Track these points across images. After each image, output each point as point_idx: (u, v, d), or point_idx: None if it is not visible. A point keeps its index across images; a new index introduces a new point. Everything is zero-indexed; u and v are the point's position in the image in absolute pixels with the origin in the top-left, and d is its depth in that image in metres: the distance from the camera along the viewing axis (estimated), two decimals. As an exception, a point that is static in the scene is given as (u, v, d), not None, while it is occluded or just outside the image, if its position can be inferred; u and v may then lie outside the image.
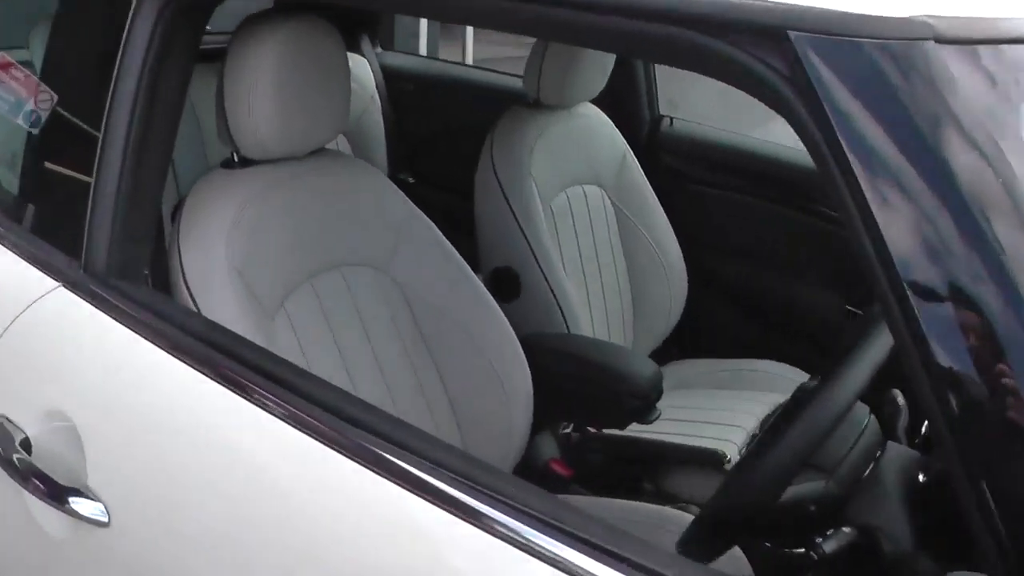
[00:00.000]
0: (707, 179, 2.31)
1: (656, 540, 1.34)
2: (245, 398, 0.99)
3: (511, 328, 1.55)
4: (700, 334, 2.25)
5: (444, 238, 1.52)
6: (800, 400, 1.03)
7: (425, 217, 1.52)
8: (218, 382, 1.01)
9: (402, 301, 1.48)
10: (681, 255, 2.15)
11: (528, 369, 1.54)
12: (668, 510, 1.54)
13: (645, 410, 1.66)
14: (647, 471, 1.78)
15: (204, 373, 1.03)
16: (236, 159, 1.35)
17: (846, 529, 0.98)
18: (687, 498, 1.76)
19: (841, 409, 1.00)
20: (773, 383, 2.07)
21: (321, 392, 0.98)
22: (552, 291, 1.83)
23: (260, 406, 0.98)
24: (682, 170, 2.33)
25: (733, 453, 1.78)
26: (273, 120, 1.29)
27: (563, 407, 1.75)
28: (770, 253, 2.23)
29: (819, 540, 0.99)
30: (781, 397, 2.01)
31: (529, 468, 1.67)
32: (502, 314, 1.55)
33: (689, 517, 1.50)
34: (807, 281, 2.18)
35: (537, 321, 1.83)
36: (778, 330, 2.24)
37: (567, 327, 1.83)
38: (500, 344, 1.53)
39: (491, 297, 1.55)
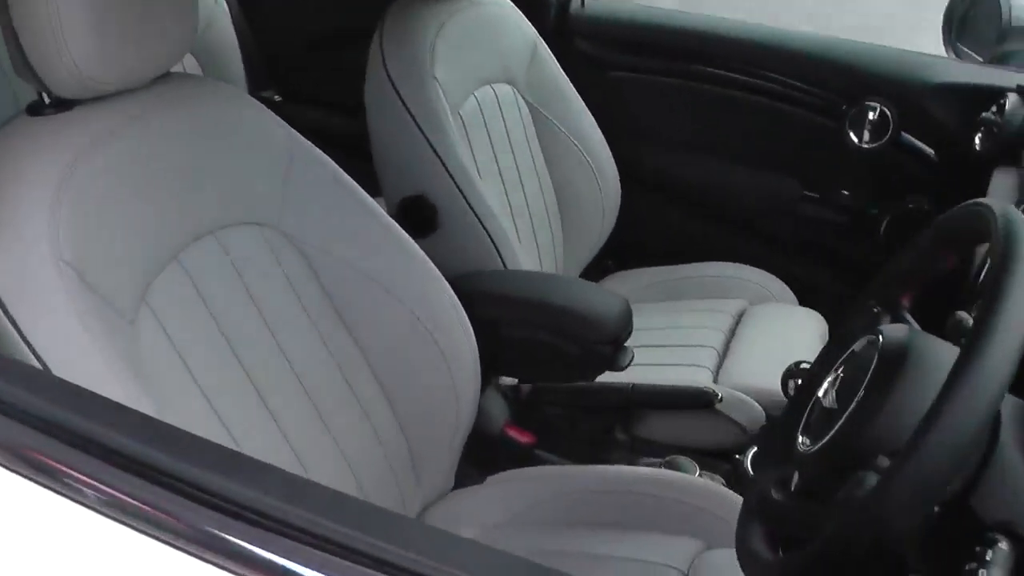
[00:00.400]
0: (629, 64, 2.00)
1: (705, 524, 1.14)
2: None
3: (438, 272, 1.24)
4: (639, 241, 1.98)
5: (341, 171, 1.19)
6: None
7: (314, 147, 1.18)
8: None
9: (300, 261, 1.15)
10: (610, 153, 1.86)
11: (468, 321, 1.25)
12: (694, 480, 1.30)
13: (616, 356, 1.39)
14: (619, 420, 1.52)
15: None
16: (47, 100, 0.96)
17: (1002, 544, 0.71)
18: (671, 443, 1.52)
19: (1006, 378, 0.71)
20: (730, 287, 1.85)
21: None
22: (479, 219, 1.50)
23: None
24: (600, 56, 2.01)
25: (707, 379, 1.55)
26: (90, 39, 0.90)
27: (512, 363, 1.45)
28: (710, 141, 1.96)
29: (972, 567, 0.72)
30: (742, 303, 1.79)
31: (481, 440, 1.39)
32: (426, 257, 1.24)
33: (718, 485, 1.27)
34: (756, 168, 1.93)
35: (464, 258, 1.51)
36: (727, 227, 1.99)
37: (502, 262, 1.51)
38: (429, 295, 1.23)
39: (409, 238, 1.23)
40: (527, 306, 1.41)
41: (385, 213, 1.22)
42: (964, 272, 1.16)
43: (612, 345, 1.37)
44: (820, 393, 0.92)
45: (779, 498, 0.96)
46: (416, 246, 1.24)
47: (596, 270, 1.96)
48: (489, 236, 1.51)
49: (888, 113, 1.75)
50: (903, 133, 1.77)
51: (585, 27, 2.00)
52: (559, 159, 1.83)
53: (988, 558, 0.69)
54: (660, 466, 1.41)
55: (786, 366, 1.52)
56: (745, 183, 1.95)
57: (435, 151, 1.48)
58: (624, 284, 1.92)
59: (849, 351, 0.95)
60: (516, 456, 1.45)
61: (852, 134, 1.80)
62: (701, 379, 1.56)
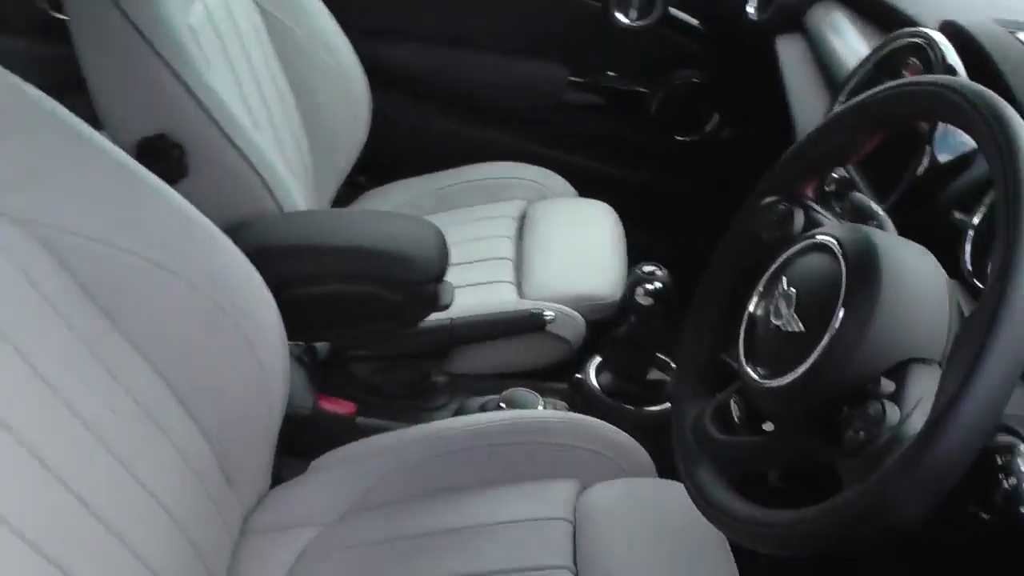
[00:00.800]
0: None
1: (573, 461, 1.06)
2: None
3: (221, 233, 0.97)
4: (394, 151, 1.75)
5: (87, 126, 0.86)
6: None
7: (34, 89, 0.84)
8: None
9: (55, 265, 0.82)
10: (355, 57, 1.60)
11: (267, 290, 1.00)
12: (552, 418, 1.15)
13: (440, 293, 1.18)
14: (434, 359, 1.33)
15: None
16: None
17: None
18: (493, 372, 1.37)
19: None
20: (504, 189, 1.71)
21: None
22: (242, 154, 1.20)
23: None
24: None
25: (512, 295, 1.40)
26: None
27: (314, 325, 1.20)
28: (464, 32, 1.76)
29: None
30: (521, 203, 1.66)
31: (290, 423, 1.15)
32: (205, 219, 0.96)
33: (578, 417, 1.14)
34: (518, 58, 1.76)
35: (230, 206, 1.21)
36: (492, 124, 1.82)
37: (278, 204, 1.23)
38: (222, 271, 0.98)
39: (183, 201, 0.95)
40: (329, 256, 1.16)
41: (155, 177, 0.91)
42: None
43: (435, 283, 1.17)
44: (767, 314, 0.79)
45: (724, 437, 0.84)
46: (191, 207, 0.95)
47: (348, 190, 1.72)
48: (257, 174, 1.22)
49: (656, -12, 1.66)
50: (671, 8, 1.68)
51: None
52: (299, 68, 1.55)
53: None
54: (497, 404, 1.26)
55: (590, 265, 1.44)
56: (507, 74, 1.79)
57: (176, 75, 1.15)
58: (385, 201, 1.71)
59: (782, 260, 0.82)
60: (336, 432, 1.22)
61: (618, 13, 1.69)
62: (507, 296, 1.42)
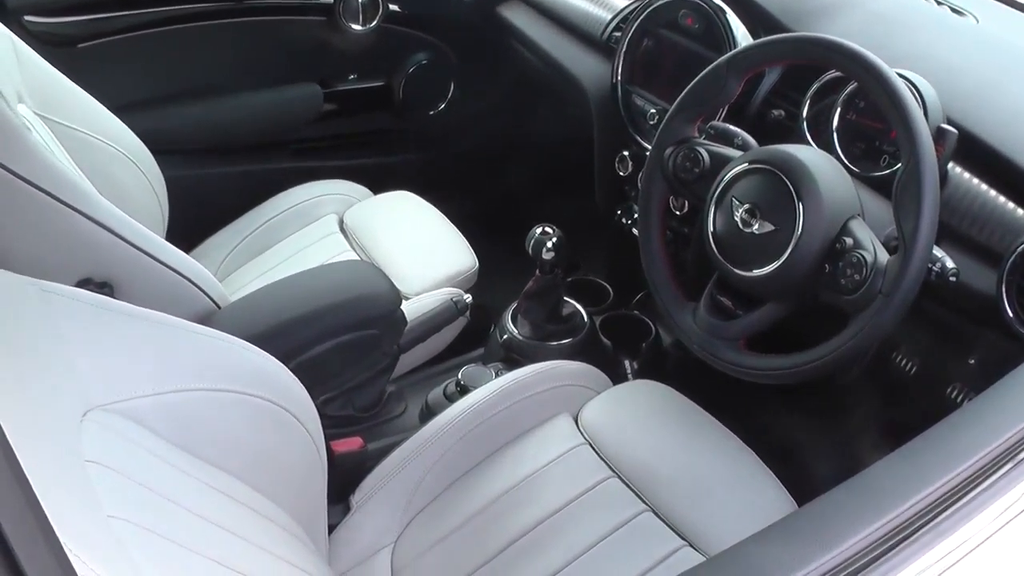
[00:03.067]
0: (88, 31, 1.66)
1: (554, 400, 1.28)
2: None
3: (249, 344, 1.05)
4: (197, 211, 1.75)
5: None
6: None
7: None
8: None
9: (142, 429, 0.89)
10: (133, 135, 1.59)
11: (295, 379, 1.09)
12: (515, 379, 1.31)
13: (402, 318, 1.34)
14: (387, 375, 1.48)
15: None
16: None
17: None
18: (429, 362, 1.57)
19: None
20: (315, 208, 1.79)
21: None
22: (167, 265, 1.22)
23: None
24: (53, 32, 1.62)
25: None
26: None
27: (321, 384, 1.29)
28: (216, 80, 1.79)
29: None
30: (333, 216, 1.79)
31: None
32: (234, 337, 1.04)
33: (526, 368, 1.34)
34: (273, 87, 1.84)
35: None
36: (273, 154, 1.88)
37: (212, 300, 1.27)
38: (251, 366, 1.04)
39: (205, 328, 1.02)
40: (311, 321, 1.25)
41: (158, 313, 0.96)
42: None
43: (399, 307, 1.32)
44: (735, 226, 1.10)
45: (726, 321, 1.16)
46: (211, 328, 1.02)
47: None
48: (184, 277, 1.25)
49: (374, -9, 1.83)
50: (391, 6, 1.87)
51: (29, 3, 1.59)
52: (94, 162, 1.51)
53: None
54: (457, 384, 1.45)
55: (438, 245, 1.64)
56: (270, 104, 1.86)
57: (79, 212, 1.13)
58: (211, 257, 1.73)
59: (722, 186, 1.14)
60: (355, 467, 1.33)
61: (348, 23, 1.84)
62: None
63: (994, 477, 0.67)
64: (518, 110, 1.95)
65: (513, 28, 1.77)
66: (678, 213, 1.41)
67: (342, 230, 1.74)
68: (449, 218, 1.70)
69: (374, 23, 1.85)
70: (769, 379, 1.11)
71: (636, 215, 1.58)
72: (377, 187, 1.84)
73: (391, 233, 1.69)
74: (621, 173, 1.57)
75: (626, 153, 1.56)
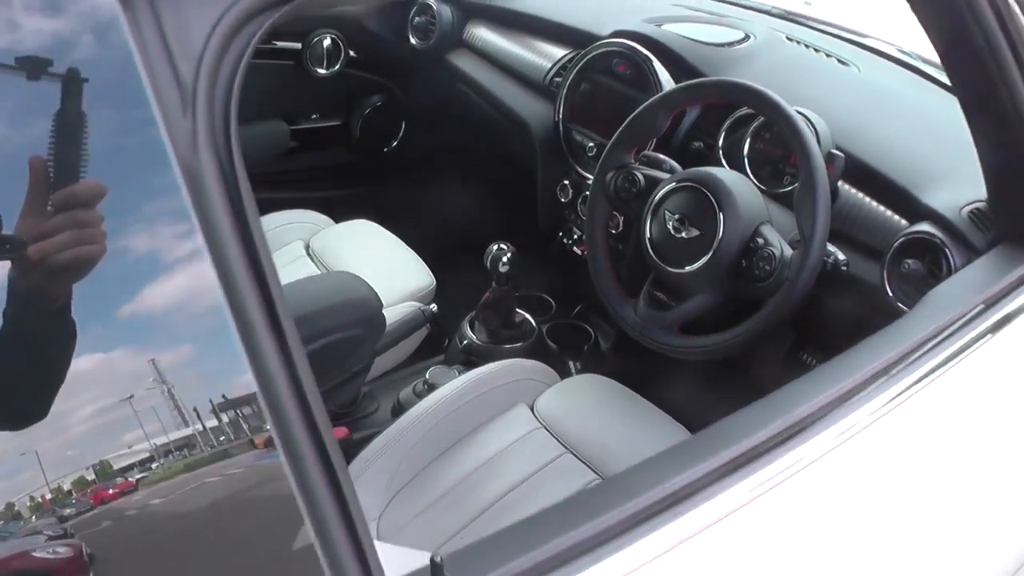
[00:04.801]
0: None
1: (510, 394, 1.48)
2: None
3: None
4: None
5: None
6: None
7: None
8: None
9: None
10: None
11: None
12: (477, 376, 1.49)
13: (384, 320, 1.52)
14: (363, 376, 1.65)
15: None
16: None
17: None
18: (397, 368, 1.73)
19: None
20: (282, 235, 1.95)
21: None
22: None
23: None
24: None
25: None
26: None
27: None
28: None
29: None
30: (299, 243, 1.95)
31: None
32: None
33: (487, 367, 1.52)
34: (243, 124, 2.00)
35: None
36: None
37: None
38: None
39: None
40: (302, 323, 1.41)
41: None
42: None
43: (381, 311, 1.51)
44: (668, 233, 1.33)
45: (662, 312, 1.38)
46: None
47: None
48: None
49: (339, 39, 2.03)
50: (351, 52, 2.07)
51: None
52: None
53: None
54: (424, 383, 1.63)
55: (401, 265, 1.82)
56: (241, 139, 2.02)
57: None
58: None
59: (656, 201, 1.36)
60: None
61: (314, 67, 2.04)
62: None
63: (826, 417, 0.85)
64: (466, 146, 2.16)
65: (462, 73, 1.99)
66: (614, 232, 1.64)
67: (308, 254, 1.91)
68: (406, 243, 1.89)
69: (336, 67, 2.05)
70: (700, 355, 1.33)
71: (575, 236, 1.81)
72: (338, 216, 2.02)
73: (355, 256, 1.86)
74: (562, 199, 1.80)
75: (567, 182, 1.78)
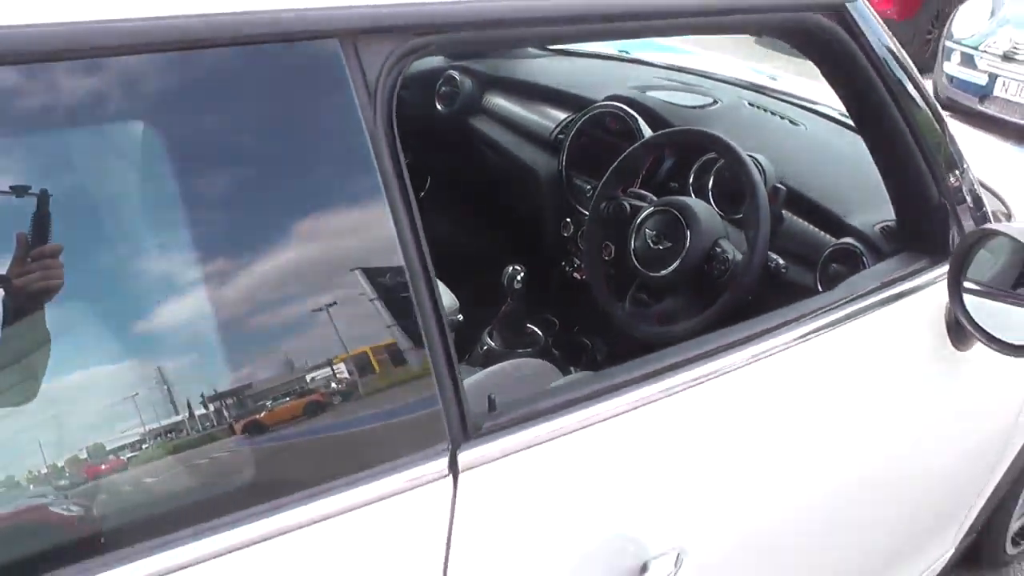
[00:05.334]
0: None
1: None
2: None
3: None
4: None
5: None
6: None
7: None
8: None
9: None
10: None
11: None
12: (514, 362, 1.84)
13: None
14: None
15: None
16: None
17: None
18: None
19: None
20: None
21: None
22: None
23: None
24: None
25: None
26: None
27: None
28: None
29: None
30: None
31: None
32: None
33: (525, 360, 1.87)
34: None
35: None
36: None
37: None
38: None
39: None
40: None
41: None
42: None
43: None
44: (647, 246, 1.70)
45: (645, 308, 1.74)
46: None
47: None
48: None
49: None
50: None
51: None
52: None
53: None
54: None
55: None
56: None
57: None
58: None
59: (639, 222, 1.74)
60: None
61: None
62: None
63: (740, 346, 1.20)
64: (483, 194, 2.54)
65: (481, 134, 2.39)
66: (607, 258, 2.01)
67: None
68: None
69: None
70: (672, 340, 1.68)
71: (575, 264, 2.18)
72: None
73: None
74: (565, 234, 2.17)
75: (568, 219, 2.16)
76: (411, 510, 0.89)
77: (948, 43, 6.13)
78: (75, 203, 0.79)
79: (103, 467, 0.77)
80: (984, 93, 5.84)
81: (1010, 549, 2.31)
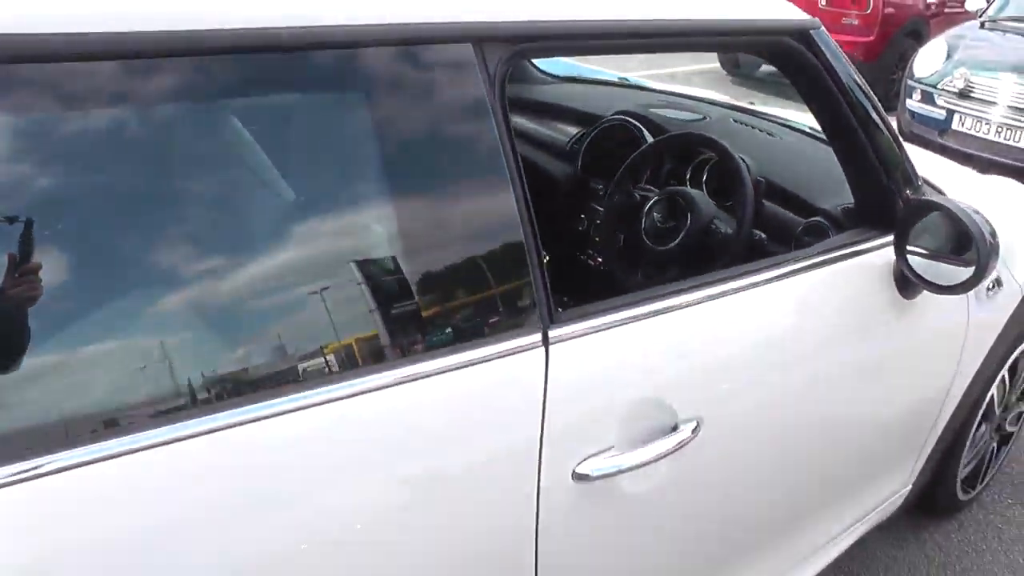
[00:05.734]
0: None
1: None
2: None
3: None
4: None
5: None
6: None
7: None
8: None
9: None
10: None
11: None
12: None
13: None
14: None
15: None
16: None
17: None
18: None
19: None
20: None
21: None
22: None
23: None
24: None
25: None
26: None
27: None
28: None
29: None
30: None
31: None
32: None
33: None
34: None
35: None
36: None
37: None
38: None
39: None
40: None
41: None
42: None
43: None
44: (654, 225, 2.12)
45: (650, 279, 2.15)
46: None
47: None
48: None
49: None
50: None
51: None
52: None
53: None
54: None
55: None
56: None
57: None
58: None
59: (648, 208, 2.15)
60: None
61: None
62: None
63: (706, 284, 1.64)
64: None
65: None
66: (620, 243, 2.41)
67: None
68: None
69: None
70: None
71: (590, 253, 2.59)
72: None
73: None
74: (580, 229, 2.58)
75: (583, 216, 2.57)
76: (520, 368, 1.28)
77: (910, 82, 6.66)
78: (290, 165, 1.19)
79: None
80: (943, 127, 6.35)
81: (961, 495, 2.71)
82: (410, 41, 1.21)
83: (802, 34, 1.73)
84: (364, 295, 1.20)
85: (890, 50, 7.94)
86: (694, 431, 1.45)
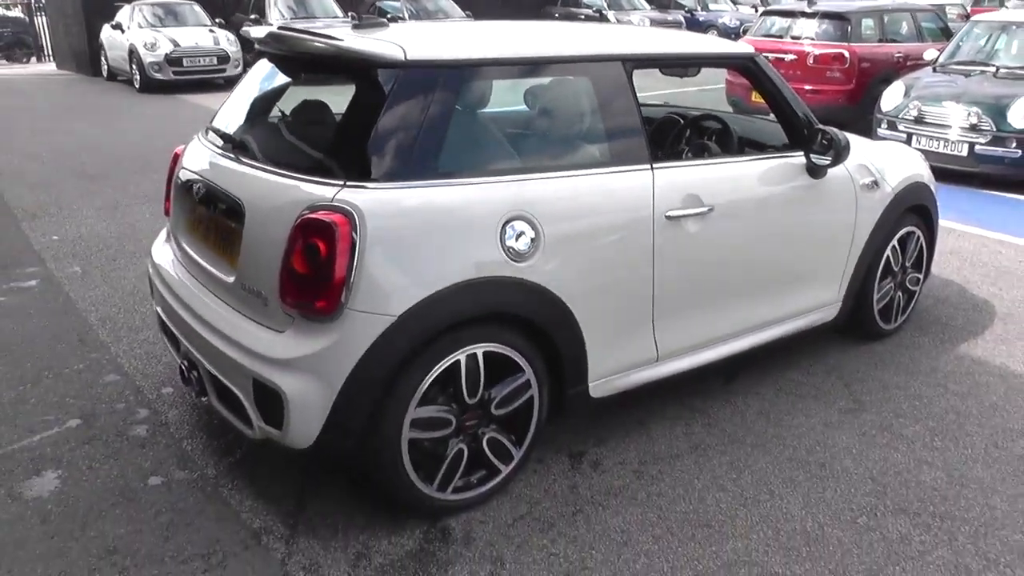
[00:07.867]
0: None
1: None
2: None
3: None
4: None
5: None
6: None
7: None
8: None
9: None
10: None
11: None
12: None
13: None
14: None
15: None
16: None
17: None
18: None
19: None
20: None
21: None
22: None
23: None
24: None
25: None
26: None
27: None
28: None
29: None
30: None
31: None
32: None
33: None
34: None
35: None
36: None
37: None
38: None
39: None
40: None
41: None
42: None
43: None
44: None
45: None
46: None
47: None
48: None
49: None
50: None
51: None
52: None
53: None
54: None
55: None
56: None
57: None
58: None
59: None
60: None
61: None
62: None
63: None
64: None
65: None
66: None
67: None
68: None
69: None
70: None
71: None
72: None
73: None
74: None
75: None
76: (641, 180, 3.29)
77: (878, 115, 8.70)
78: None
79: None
80: (904, 146, 8.38)
81: (882, 324, 4.53)
82: (595, 60, 3.24)
83: (750, 60, 3.77)
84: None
85: (867, 95, 9.89)
86: (711, 210, 3.44)
